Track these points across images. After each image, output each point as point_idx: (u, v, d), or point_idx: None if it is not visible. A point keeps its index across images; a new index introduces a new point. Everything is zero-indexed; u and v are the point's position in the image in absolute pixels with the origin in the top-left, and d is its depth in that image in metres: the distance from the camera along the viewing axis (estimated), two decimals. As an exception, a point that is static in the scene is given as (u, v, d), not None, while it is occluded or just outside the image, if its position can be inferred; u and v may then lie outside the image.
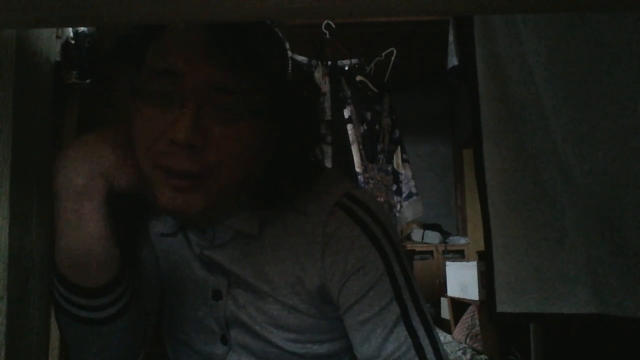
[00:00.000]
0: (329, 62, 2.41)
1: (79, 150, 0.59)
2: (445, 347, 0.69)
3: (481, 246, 1.57)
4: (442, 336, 3.01)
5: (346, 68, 2.54)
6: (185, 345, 0.77)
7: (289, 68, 0.66)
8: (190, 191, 0.59)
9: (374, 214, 0.68)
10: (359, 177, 2.36)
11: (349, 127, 2.40)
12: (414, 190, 2.69)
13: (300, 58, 2.28)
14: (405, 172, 2.69)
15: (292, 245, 0.69)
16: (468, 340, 2.88)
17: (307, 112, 0.68)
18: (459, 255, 4.33)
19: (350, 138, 2.39)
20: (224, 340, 0.73)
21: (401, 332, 0.65)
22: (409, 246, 4.21)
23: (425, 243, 4.33)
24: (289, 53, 0.66)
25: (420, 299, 0.68)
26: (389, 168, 2.65)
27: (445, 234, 4.51)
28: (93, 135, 0.61)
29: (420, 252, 4.29)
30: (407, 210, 2.66)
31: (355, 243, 0.66)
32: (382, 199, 2.53)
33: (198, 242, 0.72)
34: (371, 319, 0.65)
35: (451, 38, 1.59)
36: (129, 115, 0.62)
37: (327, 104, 2.30)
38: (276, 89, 0.63)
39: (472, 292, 2.87)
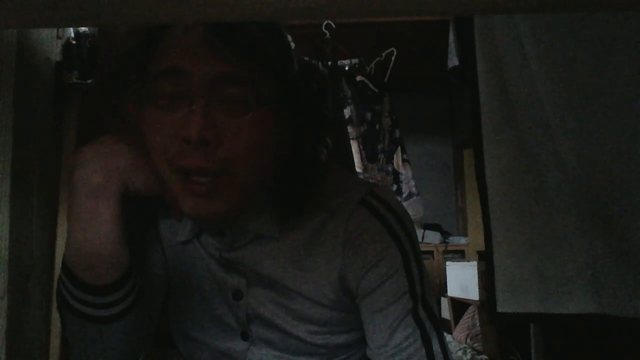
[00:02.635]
0: (329, 62, 2.41)
1: (98, 149, 0.60)
2: (445, 347, 0.71)
3: (481, 246, 1.57)
4: (442, 336, 2.99)
5: (346, 68, 2.54)
6: (200, 343, 0.78)
7: (293, 58, 0.67)
8: (211, 195, 0.60)
9: (396, 212, 0.71)
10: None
11: (349, 127, 2.40)
12: (414, 190, 2.69)
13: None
14: (405, 172, 2.69)
15: (313, 243, 0.70)
16: (468, 340, 2.88)
17: (316, 101, 0.69)
18: (459, 255, 4.32)
19: (351, 138, 2.39)
20: (245, 336, 0.75)
21: (410, 323, 0.67)
22: (409, 246, 4.18)
23: (425, 243, 4.33)
24: (292, 44, 0.67)
25: (429, 295, 0.70)
26: (389, 168, 2.65)
27: (445, 234, 4.50)
28: (112, 136, 0.62)
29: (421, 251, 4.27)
30: (407, 211, 2.66)
31: (376, 237, 0.69)
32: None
33: (216, 246, 0.73)
34: (384, 309, 0.68)
35: (451, 38, 1.59)
36: (136, 123, 0.63)
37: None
38: (281, 78, 0.63)
39: (472, 292, 2.86)
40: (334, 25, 2.37)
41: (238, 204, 0.63)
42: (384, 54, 2.68)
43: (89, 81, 1.46)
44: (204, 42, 0.59)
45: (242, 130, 0.60)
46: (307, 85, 0.67)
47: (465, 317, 3.07)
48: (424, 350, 0.67)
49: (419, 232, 4.40)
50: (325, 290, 0.70)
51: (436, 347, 0.67)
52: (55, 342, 1.40)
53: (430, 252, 4.31)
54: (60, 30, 1.24)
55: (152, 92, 0.60)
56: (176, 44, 0.60)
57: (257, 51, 0.60)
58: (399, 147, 2.71)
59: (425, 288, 0.70)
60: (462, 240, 4.48)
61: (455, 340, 2.99)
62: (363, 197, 0.70)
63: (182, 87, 0.59)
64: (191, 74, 0.58)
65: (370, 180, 2.47)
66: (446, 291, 3.37)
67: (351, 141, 2.38)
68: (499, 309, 1.39)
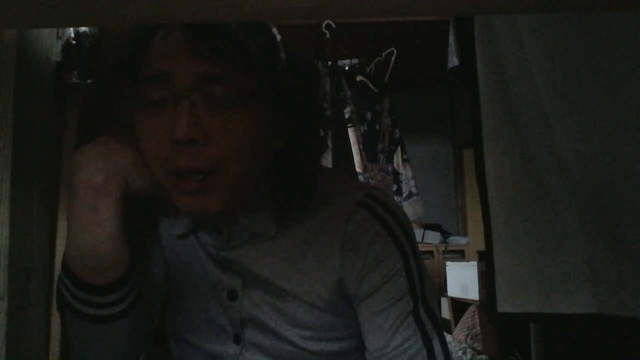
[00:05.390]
0: (329, 62, 2.40)
1: (99, 148, 0.61)
2: (446, 347, 0.71)
3: (481, 246, 1.57)
4: (442, 336, 2.99)
5: (346, 68, 2.54)
6: (192, 346, 0.78)
7: (279, 52, 0.66)
8: (203, 192, 0.61)
9: (394, 213, 0.71)
10: (359, 177, 2.36)
11: (349, 127, 2.40)
12: (414, 190, 2.69)
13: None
14: (405, 172, 2.69)
15: (311, 244, 0.70)
16: (468, 340, 2.88)
17: (305, 94, 0.68)
18: (459, 255, 4.33)
19: (351, 138, 2.39)
20: (237, 340, 0.74)
21: (411, 324, 0.67)
22: (409, 246, 4.19)
23: (425, 243, 4.33)
24: (278, 36, 0.67)
25: (429, 295, 0.70)
26: (389, 168, 2.65)
27: (445, 234, 4.50)
28: (111, 135, 0.62)
29: (420, 252, 4.26)
30: (407, 211, 2.66)
31: (375, 239, 0.69)
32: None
33: (213, 244, 0.73)
34: (384, 311, 0.68)
35: (451, 38, 1.59)
36: (131, 128, 0.63)
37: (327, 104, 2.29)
38: (266, 73, 0.63)
39: (472, 292, 2.87)
40: (334, 25, 2.37)
41: (231, 201, 0.63)
42: (384, 54, 2.68)
43: (88, 81, 1.46)
44: (183, 44, 0.59)
45: (229, 127, 0.60)
46: (295, 79, 0.67)
47: (465, 317, 3.07)
48: (425, 352, 0.67)
49: (419, 232, 4.41)
50: (321, 291, 0.70)
51: (437, 348, 0.67)
52: (55, 342, 1.41)
53: (430, 252, 4.32)
54: (60, 30, 1.24)
55: (141, 97, 0.61)
56: (158, 49, 0.61)
57: (238, 48, 0.60)
58: (399, 147, 2.71)
59: (426, 289, 0.70)
60: (462, 240, 4.48)
61: (455, 340, 2.99)
62: (362, 198, 0.70)
63: (167, 90, 0.60)
64: (174, 76, 0.59)
65: (371, 181, 2.47)
66: (446, 291, 3.37)
67: (351, 141, 2.38)
68: (499, 309, 1.39)
